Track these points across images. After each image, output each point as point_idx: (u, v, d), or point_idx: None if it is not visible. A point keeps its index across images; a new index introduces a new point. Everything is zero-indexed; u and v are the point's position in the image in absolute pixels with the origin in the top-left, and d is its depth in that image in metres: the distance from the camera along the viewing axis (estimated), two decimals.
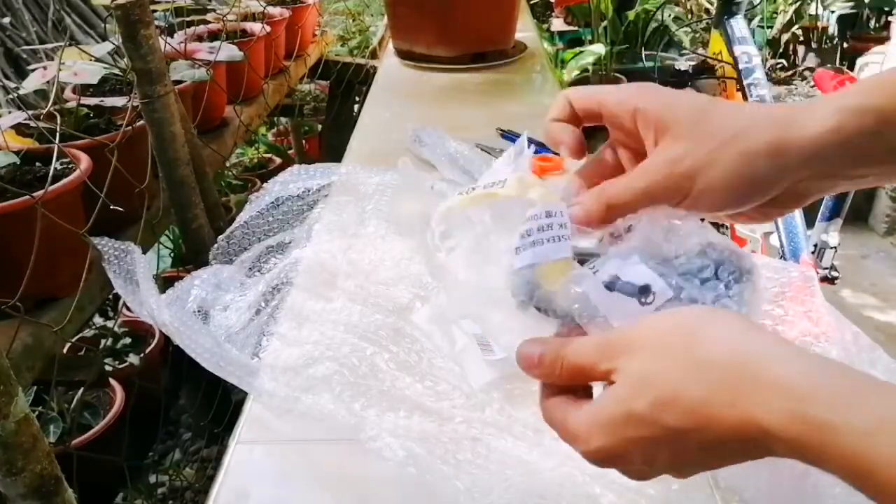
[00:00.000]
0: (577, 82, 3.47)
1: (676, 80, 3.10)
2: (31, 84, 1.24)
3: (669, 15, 3.66)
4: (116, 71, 1.34)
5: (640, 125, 0.43)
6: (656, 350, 0.36)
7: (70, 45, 1.24)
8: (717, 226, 1.62)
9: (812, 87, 3.59)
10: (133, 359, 1.76)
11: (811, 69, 3.75)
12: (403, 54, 1.68)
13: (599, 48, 3.40)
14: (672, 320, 0.37)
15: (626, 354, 0.37)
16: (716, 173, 0.40)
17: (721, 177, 0.40)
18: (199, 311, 0.74)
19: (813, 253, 1.28)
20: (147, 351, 1.78)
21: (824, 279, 1.26)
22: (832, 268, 1.25)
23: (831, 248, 1.25)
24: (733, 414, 0.32)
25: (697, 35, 3.64)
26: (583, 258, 0.43)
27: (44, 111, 1.23)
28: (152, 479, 1.72)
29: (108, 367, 1.67)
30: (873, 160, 0.40)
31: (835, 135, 0.39)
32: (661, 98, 0.43)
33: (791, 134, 0.39)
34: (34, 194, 0.90)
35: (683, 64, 3.28)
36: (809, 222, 1.34)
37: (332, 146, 2.54)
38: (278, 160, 2.97)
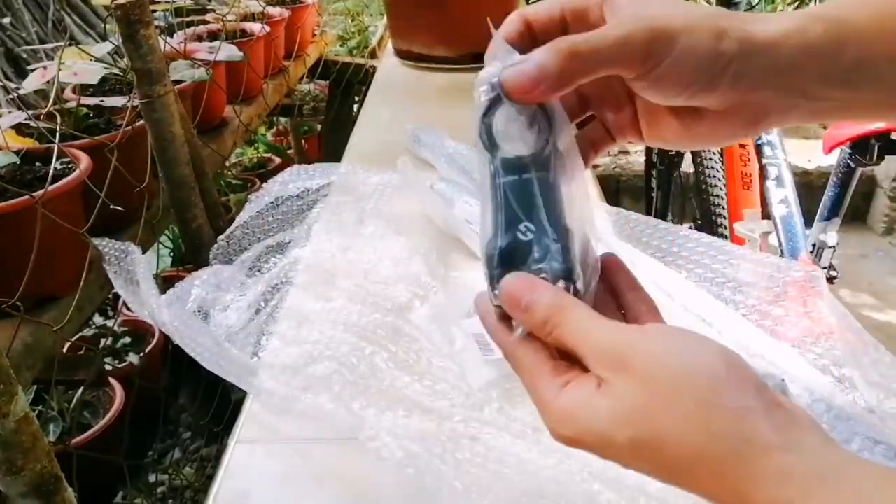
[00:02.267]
0: None
1: None
2: (31, 84, 1.24)
3: None
4: (116, 71, 1.34)
5: (607, 13, 0.37)
6: (661, 386, 0.32)
7: (70, 45, 1.24)
8: (714, 227, 1.62)
9: None
10: (133, 358, 1.76)
11: None
12: (403, 54, 1.68)
13: None
14: (691, 364, 0.32)
15: (628, 373, 0.33)
16: (692, 41, 0.35)
17: (697, 46, 0.35)
18: (199, 311, 0.75)
19: (811, 252, 1.29)
20: (147, 350, 1.78)
21: None
22: (831, 267, 1.26)
23: (830, 247, 1.26)
24: (721, 485, 0.30)
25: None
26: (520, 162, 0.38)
27: (44, 111, 1.23)
28: (152, 478, 1.72)
29: (107, 367, 1.68)
30: (835, 79, 0.37)
31: (799, 35, 0.36)
32: None
33: (757, 27, 0.37)
34: (34, 194, 0.90)
35: None
36: (808, 222, 1.35)
37: (331, 146, 2.54)
38: (278, 160, 2.97)
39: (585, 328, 0.35)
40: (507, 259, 0.38)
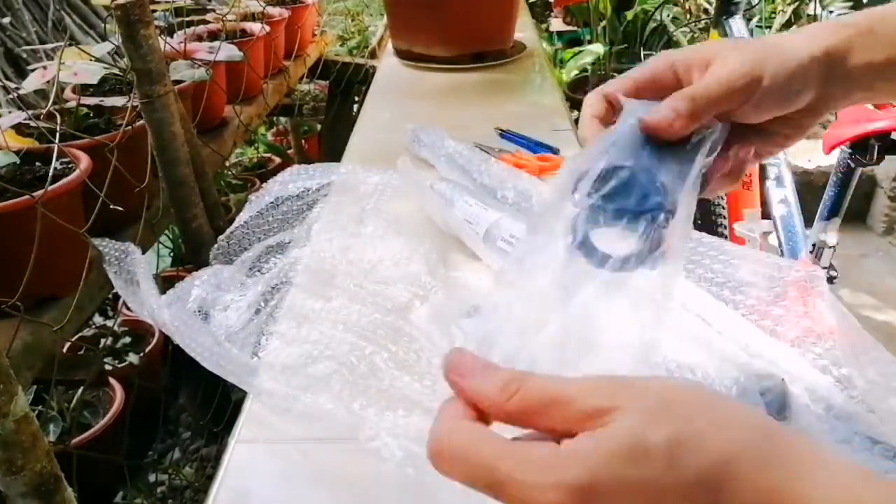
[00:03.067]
0: (575, 82, 3.47)
1: None
2: (31, 84, 1.24)
3: (668, 15, 3.66)
4: (116, 71, 1.34)
5: (681, 71, 0.49)
6: (683, 394, 0.29)
7: (70, 45, 1.24)
8: (714, 227, 1.62)
9: None
10: (133, 358, 1.76)
11: None
12: (402, 54, 1.68)
13: (598, 48, 3.40)
14: (700, 387, 0.31)
15: (640, 393, 0.29)
16: (779, 71, 0.46)
17: (783, 73, 0.46)
18: (199, 311, 0.75)
19: (811, 252, 1.29)
20: (147, 350, 1.78)
21: None
22: (830, 267, 1.26)
23: (830, 247, 1.26)
24: (766, 478, 0.27)
25: (696, 35, 3.64)
26: None
27: (44, 111, 1.24)
28: (152, 478, 1.72)
29: (107, 367, 1.68)
30: (877, 64, 0.48)
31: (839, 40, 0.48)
32: (695, 48, 0.49)
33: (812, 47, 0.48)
34: (34, 194, 0.90)
35: None
36: (808, 221, 1.35)
37: (331, 146, 2.54)
38: (278, 160, 2.97)
39: (556, 379, 0.30)
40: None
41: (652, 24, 3.60)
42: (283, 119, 3.05)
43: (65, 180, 1.00)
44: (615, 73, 3.53)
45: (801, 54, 0.47)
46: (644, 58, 3.37)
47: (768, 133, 0.52)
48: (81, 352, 1.56)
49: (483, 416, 0.32)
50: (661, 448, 0.27)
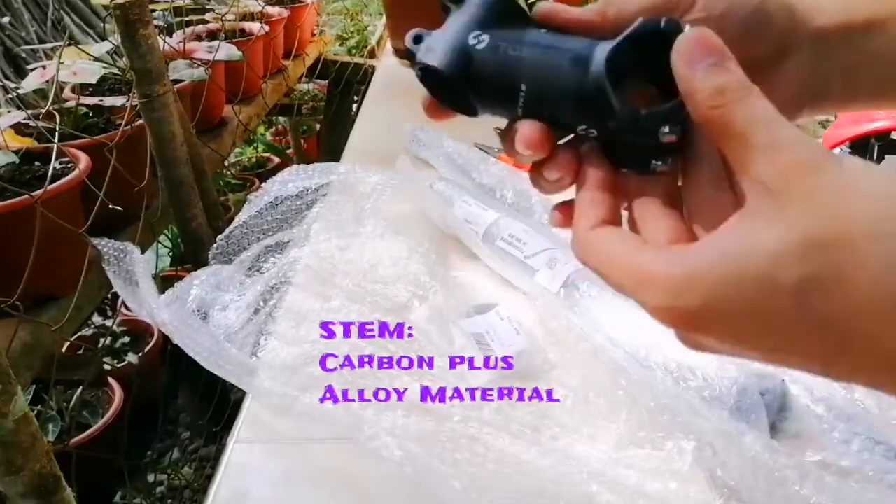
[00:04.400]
0: None
1: None
2: (30, 83, 1.24)
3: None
4: (115, 70, 1.34)
5: None
6: (859, 208, 0.23)
7: (69, 44, 1.24)
8: None
9: None
10: (132, 358, 1.75)
11: None
12: (402, 54, 1.68)
13: None
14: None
15: (817, 186, 0.24)
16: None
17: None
18: (198, 311, 0.74)
19: None
20: (146, 350, 1.78)
21: None
22: None
23: None
24: None
25: None
26: None
27: (43, 110, 1.23)
28: (151, 477, 1.72)
29: (106, 366, 1.67)
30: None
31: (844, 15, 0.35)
32: None
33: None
34: (33, 193, 0.90)
35: None
36: None
37: (330, 146, 2.54)
38: (277, 159, 2.97)
39: (770, 121, 0.26)
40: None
41: None
42: (282, 119, 3.05)
43: (64, 180, 1.00)
44: None
45: None
46: None
47: None
48: (80, 351, 1.55)
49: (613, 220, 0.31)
50: (792, 291, 0.24)
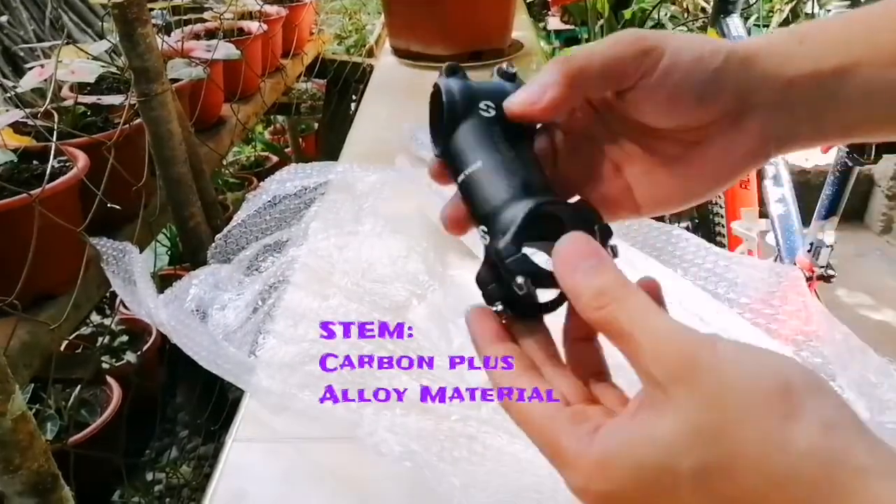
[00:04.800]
0: None
1: None
2: (28, 82, 1.24)
3: (666, 14, 3.66)
4: (114, 69, 1.34)
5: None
6: (733, 399, 0.26)
7: (67, 43, 1.24)
8: (712, 226, 1.62)
9: None
10: (130, 356, 1.75)
11: None
12: (400, 52, 1.68)
13: None
14: (763, 374, 0.26)
15: (695, 382, 0.27)
16: (684, 56, 0.35)
17: (689, 60, 0.35)
18: (196, 311, 0.74)
19: (809, 251, 1.29)
20: (144, 349, 1.77)
21: (820, 278, 1.26)
22: (828, 266, 1.26)
23: (827, 246, 1.25)
24: None
25: (694, 33, 3.64)
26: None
27: (41, 109, 1.23)
28: (149, 476, 1.72)
29: (105, 365, 1.67)
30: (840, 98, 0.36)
31: (780, 45, 0.37)
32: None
33: (749, 43, 0.37)
34: (31, 192, 0.90)
35: None
36: (805, 220, 1.35)
37: (328, 144, 2.54)
38: (275, 158, 2.97)
39: (648, 316, 0.28)
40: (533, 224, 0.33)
41: (650, 23, 3.59)
42: (280, 118, 3.05)
43: (62, 179, 1.00)
44: None
45: (731, 48, 0.36)
46: None
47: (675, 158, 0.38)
48: (79, 350, 1.55)
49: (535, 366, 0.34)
50: (688, 479, 0.26)
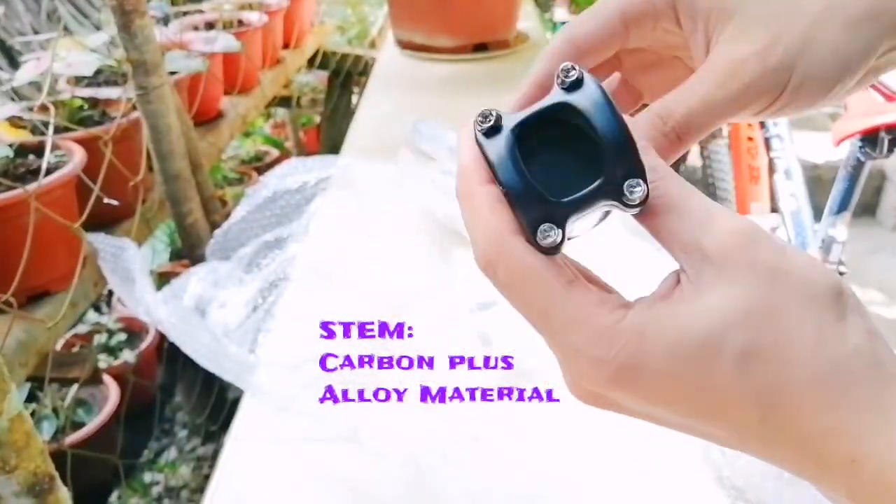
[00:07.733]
0: None
1: None
2: (24, 75, 1.22)
3: None
4: (111, 62, 1.32)
5: (683, 18, 0.32)
6: (791, 285, 0.25)
7: (64, 35, 1.23)
8: None
9: None
10: (128, 355, 1.75)
11: None
12: (403, 44, 1.66)
13: None
14: (816, 273, 0.25)
15: (752, 263, 0.25)
16: (819, 56, 0.30)
17: (826, 58, 0.30)
18: (196, 309, 0.74)
19: (820, 247, 1.27)
20: (142, 347, 1.77)
21: None
22: (840, 262, 1.24)
23: (839, 242, 1.24)
24: (829, 417, 0.24)
25: None
26: None
27: (37, 103, 1.22)
28: (147, 477, 1.72)
29: (102, 364, 1.67)
30: None
31: None
32: None
33: None
34: (27, 187, 0.89)
35: None
36: (817, 216, 1.33)
37: (330, 138, 2.53)
38: (276, 153, 2.96)
39: (697, 193, 0.27)
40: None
41: None
42: (281, 111, 3.04)
43: (59, 173, 0.99)
44: None
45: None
46: None
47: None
48: (76, 349, 1.54)
49: None
50: (731, 360, 0.24)
